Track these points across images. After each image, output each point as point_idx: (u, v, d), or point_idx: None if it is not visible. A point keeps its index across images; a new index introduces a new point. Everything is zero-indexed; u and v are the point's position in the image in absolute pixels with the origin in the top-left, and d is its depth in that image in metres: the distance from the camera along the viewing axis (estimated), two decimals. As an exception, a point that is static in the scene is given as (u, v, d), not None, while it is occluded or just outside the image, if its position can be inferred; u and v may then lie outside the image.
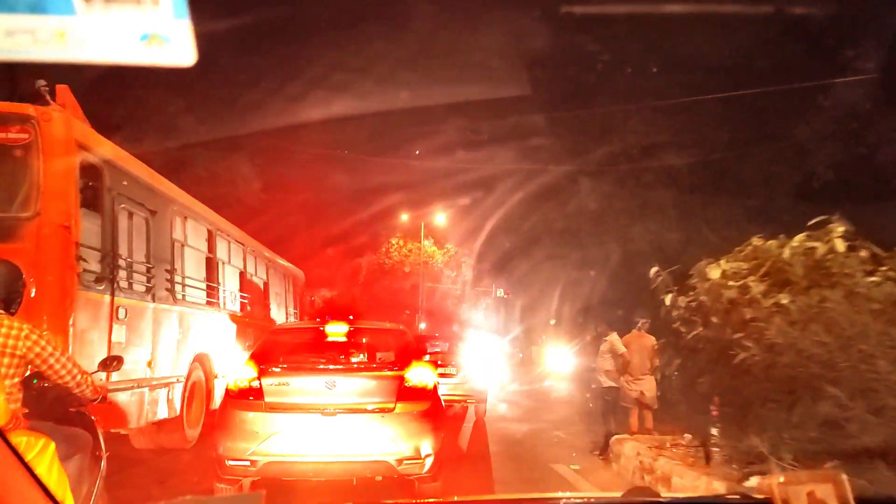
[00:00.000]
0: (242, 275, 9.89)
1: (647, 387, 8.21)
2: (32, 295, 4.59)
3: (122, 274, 6.19)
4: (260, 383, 5.07)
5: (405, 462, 4.94)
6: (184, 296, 7.73)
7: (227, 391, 5.31)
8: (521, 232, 27.38)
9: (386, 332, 7.08)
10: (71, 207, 5.33)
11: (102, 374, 3.85)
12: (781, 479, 1.54)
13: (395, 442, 4.98)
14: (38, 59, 1.15)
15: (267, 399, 5.06)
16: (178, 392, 7.43)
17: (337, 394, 5.10)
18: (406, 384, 5.22)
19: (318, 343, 6.54)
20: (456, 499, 5.26)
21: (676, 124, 20.84)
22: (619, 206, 22.37)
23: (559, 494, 6.00)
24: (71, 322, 5.23)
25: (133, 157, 6.77)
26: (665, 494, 2.68)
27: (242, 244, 10.06)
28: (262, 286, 10.82)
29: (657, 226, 21.06)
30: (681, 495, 3.23)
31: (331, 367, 5.63)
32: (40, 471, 2.70)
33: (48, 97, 5.40)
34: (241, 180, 22.37)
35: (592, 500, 3.25)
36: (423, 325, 31.34)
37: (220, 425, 5.17)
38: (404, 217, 33.04)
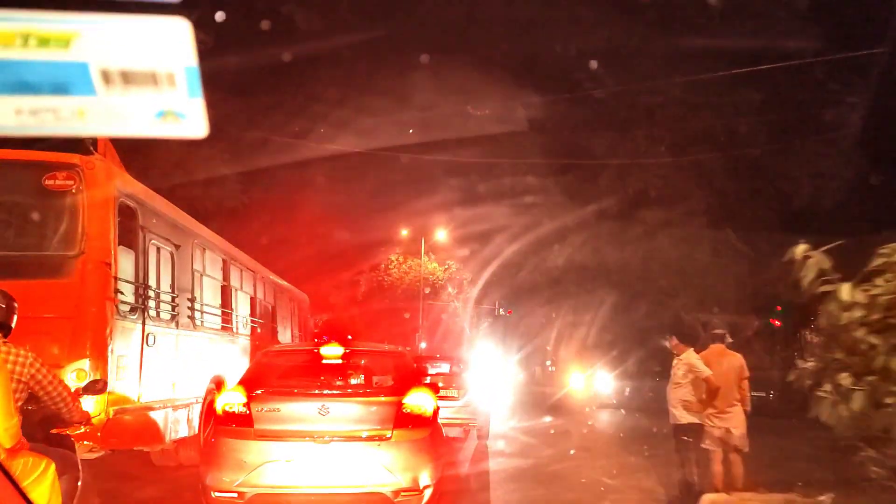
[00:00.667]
0: (252, 300, 10.32)
1: (736, 422, 6.45)
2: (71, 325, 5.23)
3: (152, 304, 6.67)
4: (249, 409, 4.82)
5: (402, 494, 4.66)
6: (202, 322, 8.13)
7: (215, 417, 5.06)
8: (529, 242, 25.23)
9: (384, 355, 6.67)
10: (110, 246, 5.82)
11: (90, 400, 4.00)
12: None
13: (391, 472, 4.70)
14: (59, 134, 1.19)
15: (256, 426, 4.82)
16: (196, 412, 7.74)
17: (330, 420, 4.85)
18: (404, 410, 4.95)
19: (311, 366, 6.18)
20: None
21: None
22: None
23: None
24: (110, 349, 5.65)
25: (159, 195, 7.29)
26: None
27: (252, 271, 10.54)
28: (270, 310, 11.22)
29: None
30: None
31: (325, 391, 5.36)
32: (43, 489, 2.91)
33: (91, 147, 5.88)
34: (238, 200, 21.66)
35: None
36: (423, 345, 29.61)
37: (206, 453, 5.02)
38: (404, 232, 31.25)
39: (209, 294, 8.52)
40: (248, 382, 5.38)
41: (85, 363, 5.26)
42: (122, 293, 6.06)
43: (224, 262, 9.15)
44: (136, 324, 6.30)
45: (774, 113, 18.96)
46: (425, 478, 4.76)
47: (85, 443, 4.94)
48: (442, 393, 8.50)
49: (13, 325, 3.27)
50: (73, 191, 5.63)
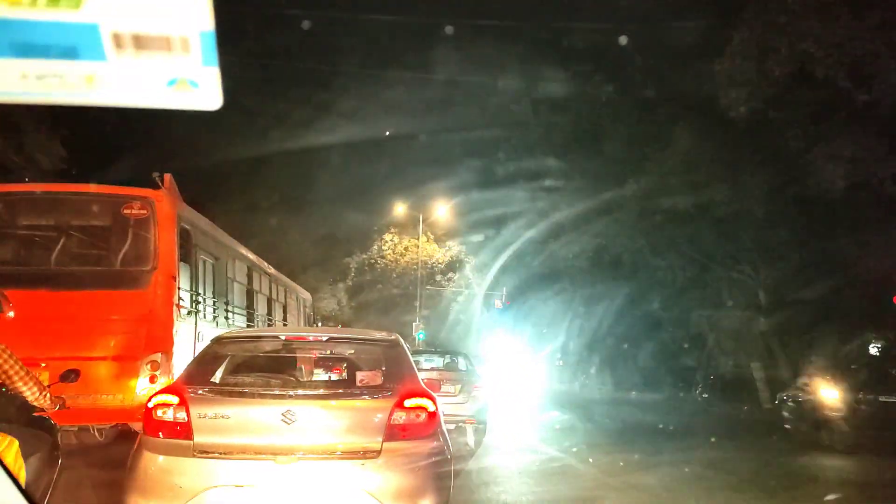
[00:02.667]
0: (269, 300, 12.05)
1: None
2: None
3: (201, 307, 7.98)
4: (187, 415, 3.67)
5: None
6: (234, 321, 9.49)
7: (144, 424, 3.88)
8: (546, 228, 22.83)
9: (372, 344, 4.96)
10: (175, 262, 7.16)
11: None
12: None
13: (380, 501, 3.58)
14: (65, 101, 1.08)
15: (197, 438, 3.65)
16: None
17: (298, 431, 3.69)
18: (398, 416, 3.81)
19: (275, 359, 4.92)
20: None
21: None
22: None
23: None
24: (174, 344, 6.90)
25: (205, 217, 8.75)
26: None
27: (269, 275, 12.19)
28: (282, 309, 13.03)
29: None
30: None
31: (290, 392, 4.05)
32: (7, 458, 3.30)
33: (159, 182, 7.22)
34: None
35: None
36: (421, 335, 26.58)
37: (128, 475, 3.73)
38: (399, 209, 28.05)
39: (238, 297, 10.03)
40: (189, 379, 4.15)
41: (158, 355, 6.51)
42: (182, 299, 7.30)
43: (248, 268, 10.75)
44: (190, 323, 7.55)
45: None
46: None
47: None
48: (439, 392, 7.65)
49: None
50: (147, 219, 6.94)
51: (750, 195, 17.23)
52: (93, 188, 7.42)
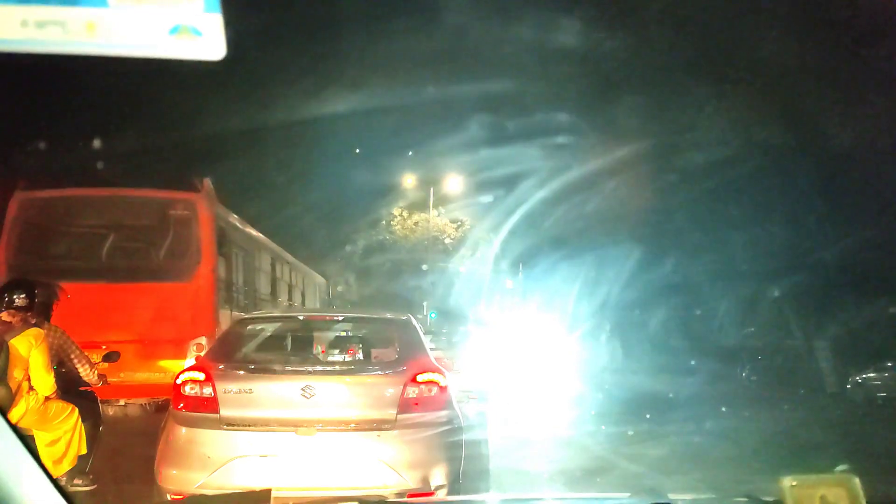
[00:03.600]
0: (289, 286, 13.23)
1: None
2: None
3: (235, 295, 8.82)
4: (214, 390, 3.90)
5: (409, 496, 3.91)
6: (261, 306, 10.43)
7: (173, 399, 4.08)
8: (559, 190, 20.81)
9: (385, 323, 5.32)
10: (215, 256, 7.84)
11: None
12: (793, 483, 1.41)
13: (395, 469, 3.82)
14: (66, 51, 1.04)
15: (223, 411, 3.86)
16: None
17: (317, 405, 3.91)
18: (411, 390, 4.05)
19: (295, 338, 5.20)
20: None
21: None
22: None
23: (568, 494, 5.01)
24: (215, 328, 7.57)
25: (237, 216, 9.52)
26: (672, 495, 2.62)
27: (289, 263, 13.23)
28: (300, 294, 14.56)
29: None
30: (689, 495, 3.26)
31: (309, 368, 4.39)
32: (68, 425, 3.91)
33: (199, 185, 7.92)
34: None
35: (601, 498, 3.02)
36: (433, 315, 25.31)
37: (160, 447, 3.98)
38: (409, 181, 26.08)
39: (263, 284, 11.05)
40: (214, 356, 4.38)
41: (202, 338, 7.34)
42: (220, 289, 8.06)
43: (272, 258, 11.70)
44: (228, 310, 8.34)
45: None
46: (439, 476, 3.92)
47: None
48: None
49: (52, 311, 4.24)
50: (189, 218, 7.76)
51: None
52: (143, 192, 8.23)
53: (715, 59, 17.45)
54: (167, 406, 4.13)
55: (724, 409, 12.38)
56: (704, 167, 17.54)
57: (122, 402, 7.46)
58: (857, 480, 1.41)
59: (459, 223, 28.46)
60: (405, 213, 28.03)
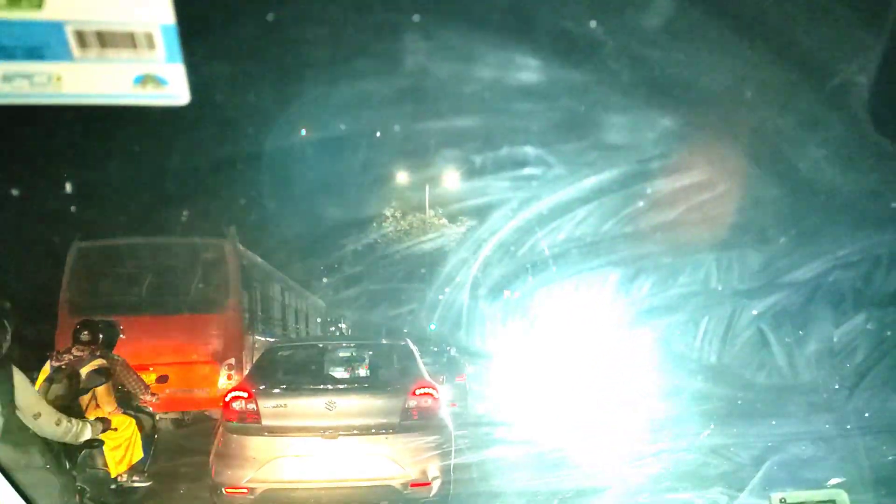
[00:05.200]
0: (296, 311, 14.87)
1: None
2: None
3: (255, 322, 10.10)
4: (257, 405, 4.93)
5: (411, 485, 4.85)
6: (272, 331, 11.60)
7: (223, 413, 5.06)
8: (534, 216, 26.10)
9: (389, 347, 6.60)
10: (240, 291, 9.04)
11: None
12: (782, 498, 1.43)
13: (399, 464, 4.81)
14: (34, 102, 1.03)
15: (264, 422, 4.88)
16: None
17: (338, 415, 4.92)
18: (410, 402, 5.10)
19: (316, 361, 6.14)
20: None
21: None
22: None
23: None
24: (242, 351, 8.86)
25: (255, 255, 10.67)
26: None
27: (294, 290, 14.81)
28: (305, 318, 16.27)
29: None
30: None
31: (330, 386, 5.44)
32: (127, 433, 4.73)
33: (226, 232, 9.15)
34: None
35: None
36: (433, 326, 22.38)
37: (215, 451, 4.94)
38: (401, 178, 25.38)
39: (276, 311, 12.45)
40: (254, 378, 5.33)
41: (232, 359, 8.69)
42: (245, 317, 9.22)
43: (282, 288, 13.24)
44: (250, 336, 9.58)
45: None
46: (434, 469, 4.88)
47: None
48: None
49: (114, 344, 5.13)
50: (218, 260, 9.07)
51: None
52: (182, 240, 9.76)
53: (675, 88, 17.96)
54: (203, 416, 4.50)
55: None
56: (671, 194, 17.92)
57: (165, 414, 8.37)
58: (845, 495, 1.46)
59: (460, 223, 27.83)
60: (397, 213, 28.16)
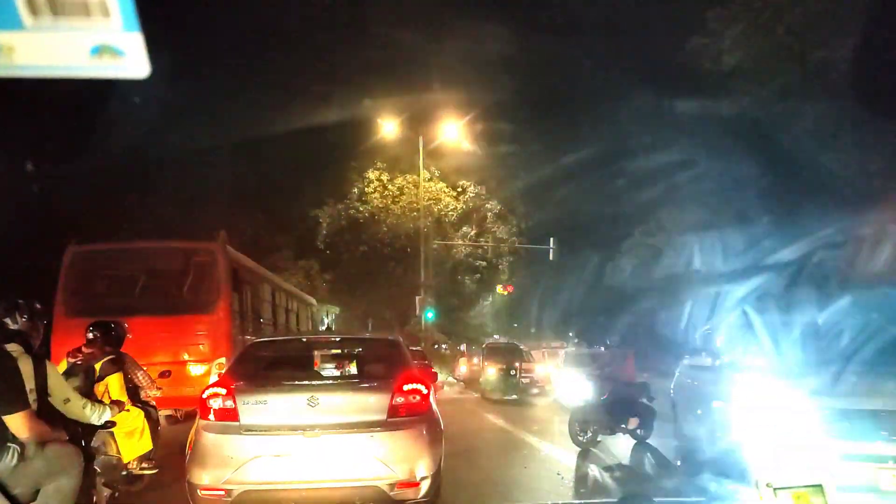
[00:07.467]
0: (286, 311, 14.93)
1: None
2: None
3: (245, 322, 10.21)
4: (235, 403, 4.69)
5: (398, 486, 4.61)
6: (266, 331, 11.60)
7: (199, 411, 4.79)
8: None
9: (375, 342, 6.32)
10: (230, 292, 9.24)
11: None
12: (769, 482, 1.46)
13: (386, 464, 4.56)
14: None
15: (243, 420, 4.63)
16: None
17: (320, 412, 4.68)
18: (397, 398, 4.83)
19: (299, 357, 5.92)
20: None
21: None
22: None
23: (559, 502, 5.17)
24: (233, 350, 8.59)
25: (247, 257, 10.93)
26: (657, 498, 2.66)
27: (285, 291, 14.95)
28: (295, 317, 16.22)
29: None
30: (672, 498, 3.31)
31: (313, 382, 5.14)
32: (138, 423, 5.28)
33: (216, 235, 9.35)
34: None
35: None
36: (430, 315, 20.62)
37: (191, 450, 4.69)
38: (387, 126, 19.62)
39: (267, 311, 12.59)
40: (233, 375, 5.05)
41: (223, 359, 8.71)
42: (235, 319, 9.35)
43: (272, 289, 13.36)
44: (241, 335, 9.61)
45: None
46: (422, 469, 4.66)
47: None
48: None
49: (123, 342, 5.46)
50: (210, 262, 9.29)
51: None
52: (173, 243, 9.96)
53: (654, 67, 17.87)
54: (195, 414, 4.76)
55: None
56: (652, 172, 17.87)
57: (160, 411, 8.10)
58: (831, 479, 1.47)
59: (461, 189, 25.35)
60: (385, 176, 25.06)
